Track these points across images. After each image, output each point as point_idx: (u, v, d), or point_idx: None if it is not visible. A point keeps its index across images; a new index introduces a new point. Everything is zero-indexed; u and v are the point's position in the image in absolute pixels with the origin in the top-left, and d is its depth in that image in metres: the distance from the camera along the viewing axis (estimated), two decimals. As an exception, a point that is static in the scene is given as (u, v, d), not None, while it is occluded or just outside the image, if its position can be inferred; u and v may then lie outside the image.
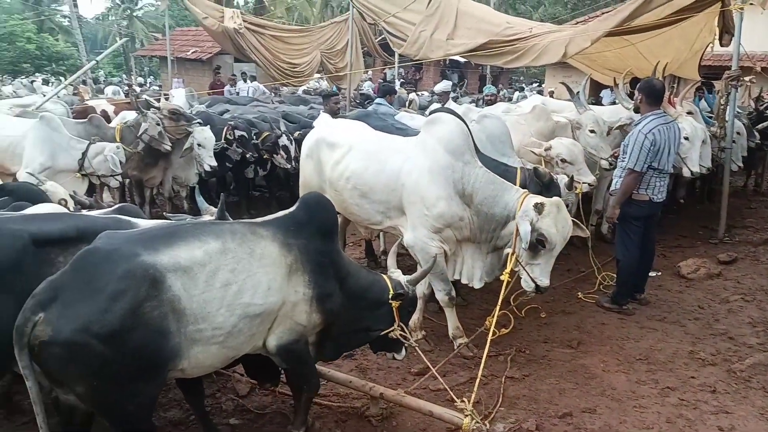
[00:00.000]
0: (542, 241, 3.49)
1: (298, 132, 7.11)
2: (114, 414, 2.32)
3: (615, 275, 5.09)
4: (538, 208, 3.46)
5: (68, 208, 3.64)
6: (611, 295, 5.01)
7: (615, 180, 4.87)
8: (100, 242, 2.25)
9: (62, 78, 22.18)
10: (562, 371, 3.94)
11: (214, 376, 3.54)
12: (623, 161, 4.71)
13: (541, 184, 4.13)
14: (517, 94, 16.45)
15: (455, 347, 4.11)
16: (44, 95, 10.10)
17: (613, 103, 8.41)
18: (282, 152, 6.95)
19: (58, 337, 2.04)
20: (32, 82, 19.83)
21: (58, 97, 9.66)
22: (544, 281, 3.62)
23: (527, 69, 23.20)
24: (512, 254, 3.67)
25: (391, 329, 3.00)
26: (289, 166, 6.97)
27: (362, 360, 4.00)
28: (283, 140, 6.94)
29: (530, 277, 3.62)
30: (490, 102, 9.06)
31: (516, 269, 3.70)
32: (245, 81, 15.24)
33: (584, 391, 3.69)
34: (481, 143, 4.32)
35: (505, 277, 3.69)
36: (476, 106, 9.11)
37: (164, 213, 3.74)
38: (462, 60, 16.52)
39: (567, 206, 3.77)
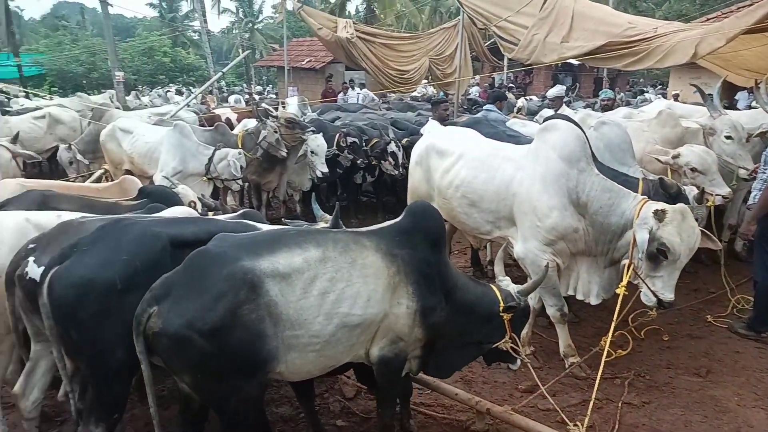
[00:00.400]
0: (663, 251, 3.22)
1: (406, 139, 7.18)
2: (219, 407, 2.45)
3: (752, 298, 4.59)
4: (659, 215, 3.19)
5: (197, 210, 3.93)
6: (747, 320, 4.52)
7: (753, 193, 4.40)
8: (211, 244, 2.39)
9: (192, 88, 24.21)
10: (688, 401, 3.61)
11: (323, 377, 3.64)
12: (764, 172, 4.24)
13: (668, 196, 3.81)
14: (638, 98, 15.41)
15: (566, 366, 3.92)
16: (177, 104, 11.06)
17: (750, 107, 7.61)
18: (390, 159, 7.04)
19: (167, 329, 2.20)
20: (166, 92, 21.82)
21: (189, 106, 10.54)
22: (668, 295, 3.32)
23: (648, 71, 21.69)
24: (629, 265, 3.42)
25: (502, 341, 2.89)
26: (396, 173, 7.05)
27: (467, 372, 3.93)
28: (392, 147, 7.03)
29: (651, 290, 3.35)
30: (607, 107, 8.54)
31: (635, 282, 3.45)
32: (352, 88, 15.69)
33: (714, 426, 3.36)
34: (599, 152, 4.08)
35: (621, 290, 3.43)
36: (592, 111, 8.65)
37: (282, 219, 3.91)
38: (576, 63, 15.82)
39: (696, 220, 3.44)
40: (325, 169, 6.79)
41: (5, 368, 3.03)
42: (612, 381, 3.80)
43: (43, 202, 3.47)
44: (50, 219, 2.97)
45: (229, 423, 2.47)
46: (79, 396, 2.64)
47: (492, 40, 12.05)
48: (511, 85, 17.62)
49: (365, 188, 8.60)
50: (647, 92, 17.92)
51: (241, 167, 6.27)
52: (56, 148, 9.50)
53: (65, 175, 8.20)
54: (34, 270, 2.51)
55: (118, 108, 10.95)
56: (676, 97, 12.25)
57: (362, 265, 2.51)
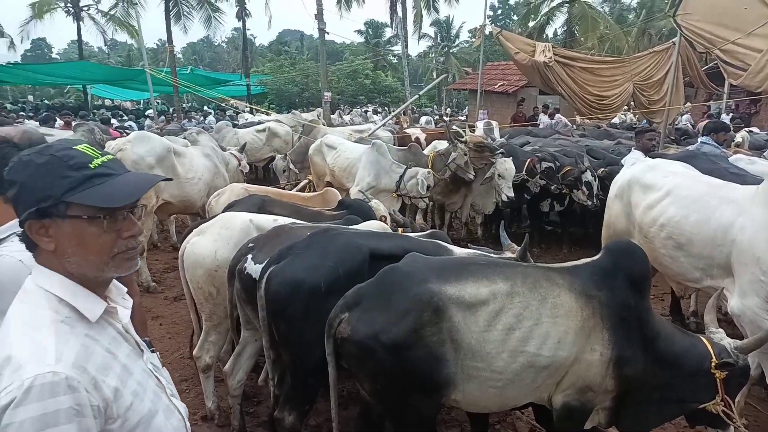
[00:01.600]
0: None
1: (602, 169, 6.75)
2: (394, 419, 2.53)
3: None
4: None
5: (387, 224, 4.15)
6: None
7: None
8: (403, 263, 2.49)
9: (387, 108, 25.78)
10: None
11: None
12: None
13: None
14: None
15: (788, 450, 3.29)
16: (375, 123, 11.82)
17: None
18: (584, 188, 6.67)
19: (354, 337, 2.33)
20: (365, 111, 23.52)
21: (385, 125, 11.23)
22: None
23: None
24: None
25: (711, 402, 2.53)
26: (589, 203, 6.65)
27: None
28: (587, 176, 6.65)
29: None
30: None
31: None
32: (545, 114, 15.27)
33: None
34: None
35: None
36: (841, 149, 7.22)
37: (468, 243, 3.93)
38: (821, 91, 13.38)
39: None
40: (511, 194, 6.68)
41: (221, 348, 3.51)
42: None
43: (262, 206, 3.97)
44: (268, 222, 3.39)
45: None
46: (277, 383, 2.93)
47: (711, 65, 10.80)
48: (732, 113, 15.53)
49: (551, 217, 8.26)
50: None
51: (429, 186, 6.48)
52: (270, 158, 10.88)
53: (276, 181, 9.28)
54: (251, 266, 2.88)
55: (324, 125, 12.10)
56: None
57: (553, 304, 2.39)
